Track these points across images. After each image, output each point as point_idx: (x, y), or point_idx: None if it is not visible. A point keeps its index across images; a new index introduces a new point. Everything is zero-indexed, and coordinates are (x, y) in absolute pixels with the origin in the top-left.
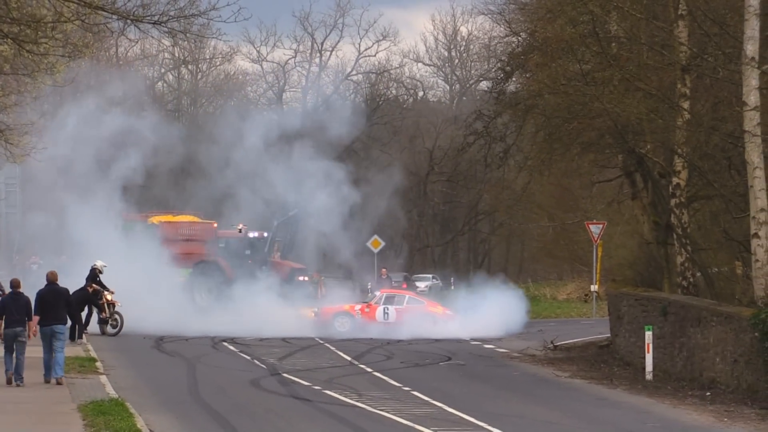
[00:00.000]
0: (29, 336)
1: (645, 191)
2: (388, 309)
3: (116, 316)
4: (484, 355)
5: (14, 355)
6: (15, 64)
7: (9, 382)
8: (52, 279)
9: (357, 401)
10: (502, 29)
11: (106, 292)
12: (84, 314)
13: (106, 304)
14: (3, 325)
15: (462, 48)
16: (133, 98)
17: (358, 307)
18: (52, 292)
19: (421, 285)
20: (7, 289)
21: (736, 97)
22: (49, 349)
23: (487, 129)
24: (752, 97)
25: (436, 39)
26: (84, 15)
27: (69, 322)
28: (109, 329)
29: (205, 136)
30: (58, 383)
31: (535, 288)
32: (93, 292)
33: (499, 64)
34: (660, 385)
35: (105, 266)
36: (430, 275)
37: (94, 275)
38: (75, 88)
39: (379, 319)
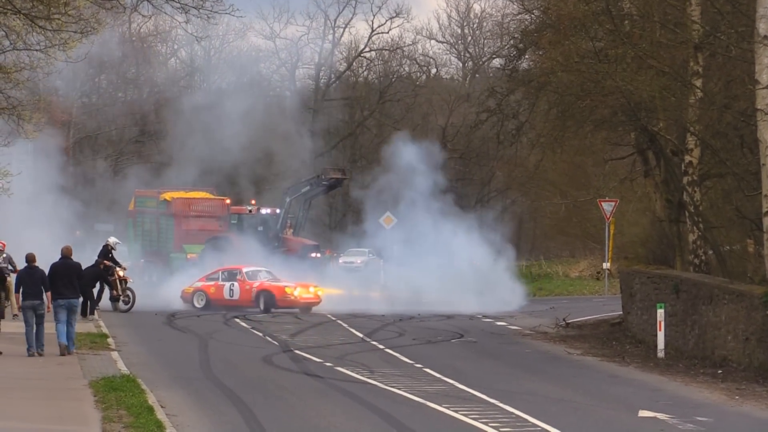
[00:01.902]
0: (48, 309)
1: (657, 169)
2: (233, 286)
3: (128, 293)
4: (496, 333)
5: (34, 327)
6: (28, 40)
7: (32, 348)
8: (66, 253)
9: (369, 378)
10: (515, 6)
11: (118, 269)
12: (95, 290)
13: (117, 281)
14: (20, 298)
15: (475, 25)
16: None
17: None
18: (65, 265)
19: (357, 260)
20: (18, 265)
21: (749, 75)
22: (64, 320)
23: (500, 106)
24: (765, 76)
25: (449, 16)
26: None
27: (81, 298)
28: (121, 305)
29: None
30: (69, 352)
31: (547, 265)
32: (104, 269)
33: (512, 42)
34: (672, 362)
35: (118, 243)
36: (366, 249)
37: (106, 251)
38: (88, 64)
39: (226, 297)
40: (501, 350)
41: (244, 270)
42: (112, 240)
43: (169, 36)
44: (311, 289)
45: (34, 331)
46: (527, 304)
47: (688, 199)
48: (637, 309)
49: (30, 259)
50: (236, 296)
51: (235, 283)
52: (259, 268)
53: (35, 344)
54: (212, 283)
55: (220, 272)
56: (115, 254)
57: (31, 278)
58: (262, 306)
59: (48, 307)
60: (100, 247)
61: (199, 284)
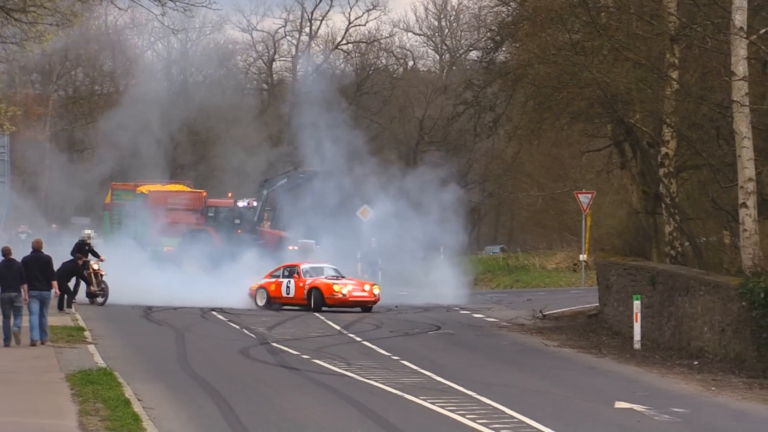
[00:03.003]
0: (24, 300)
1: (634, 161)
2: (290, 283)
3: (102, 286)
4: (473, 325)
5: (12, 320)
6: (3, 33)
7: (8, 340)
8: (36, 246)
9: (346, 370)
10: None
11: (92, 261)
12: (72, 284)
13: (92, 275)
14: None
15: (452, 17)
16: None
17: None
18: (36, 258)
19: None
20: None
21: (725, 67)
22: (36, 312)
23: (477, 98)
24: (740, 67)
25: (426, 8)
26: None
27: (53, 290)
28: (97, 299)
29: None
30: (42, 343)
31: (524, 257)
32: (82, 264)
33: (489, 34)
34: (648, 354)
35: (92, 237)
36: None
37: (81, 245)
38: (63, 56)
39: (284, 294)
40: (478, 342)
41: (302, 267)
42: (86, 233)
43: (145, 28)
44: (366, 287)
45: (11, 322)
46: (470, 296)
47: (664, 191)
48: (614, 301)
49: (6, 252)
50: (292, 294)
51: (292, 281)
52: (323, 265)
53: (12, 337)
54: (274, 280)
55: (283, 268)
56: (93, 246)
57: (9, 271)
58: (312, 304)
59: (25, 299)
60: (76, 241)
61: (264, 281)
